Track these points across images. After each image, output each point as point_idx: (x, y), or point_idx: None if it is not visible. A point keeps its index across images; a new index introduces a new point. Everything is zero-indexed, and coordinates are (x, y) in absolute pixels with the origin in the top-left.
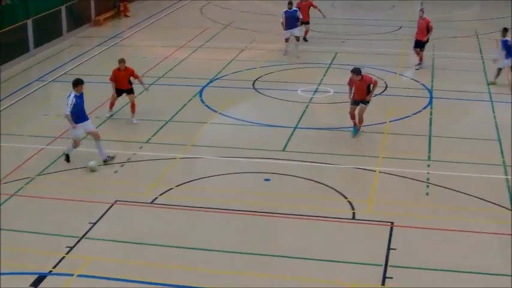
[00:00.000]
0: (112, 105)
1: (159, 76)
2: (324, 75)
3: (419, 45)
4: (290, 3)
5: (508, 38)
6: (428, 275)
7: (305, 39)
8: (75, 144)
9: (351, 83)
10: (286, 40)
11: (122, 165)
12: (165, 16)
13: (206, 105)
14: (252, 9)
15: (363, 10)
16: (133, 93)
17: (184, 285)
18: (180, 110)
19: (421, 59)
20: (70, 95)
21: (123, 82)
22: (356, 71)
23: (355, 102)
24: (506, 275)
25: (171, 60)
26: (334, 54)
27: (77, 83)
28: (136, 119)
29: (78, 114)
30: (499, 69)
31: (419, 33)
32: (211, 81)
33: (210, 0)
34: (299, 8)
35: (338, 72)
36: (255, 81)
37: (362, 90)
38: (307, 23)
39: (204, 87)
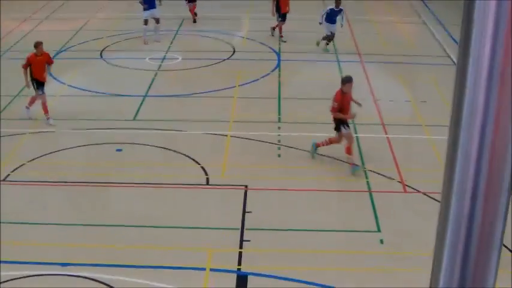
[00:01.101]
0: (33, 102)
1: (4, 50)
2: (171, 43)
3: (284, 17)
4: None
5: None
6: (285, 235)
7: (194, 20)
8: None
9: (342, 98)
10: (145, 22)
11: None
12: None
13: (54, 78)
14: None
15: None
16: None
17: (39, 262)
18: None
19: (280, 29)
20: None
21: (40, 70)
22: (349, 79)
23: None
24: (358, 231)
25: (17, 34)
26: (181, 20)
27: None
28: (53, 119)
29: None
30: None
31: (283, 5)
32: (58, 53)
33: None
34: None
35: (185, 39)
36: (102, 50)
37: (349, 104)
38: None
39: None
